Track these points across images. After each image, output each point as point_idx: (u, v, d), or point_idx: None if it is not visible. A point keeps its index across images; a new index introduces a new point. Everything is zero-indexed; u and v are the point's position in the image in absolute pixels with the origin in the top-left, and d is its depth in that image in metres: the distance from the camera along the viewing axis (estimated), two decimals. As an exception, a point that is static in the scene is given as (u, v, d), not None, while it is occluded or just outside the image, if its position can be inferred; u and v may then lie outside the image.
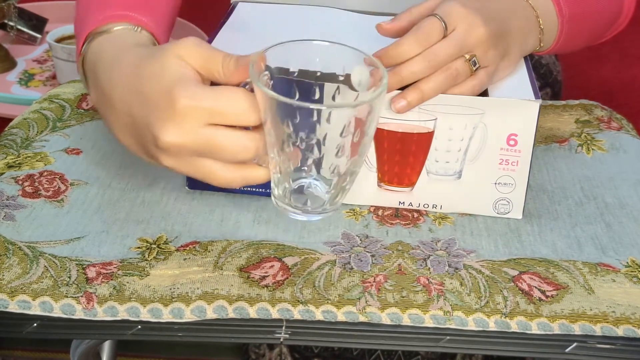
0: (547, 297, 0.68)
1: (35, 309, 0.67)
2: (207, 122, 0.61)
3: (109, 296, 0.68)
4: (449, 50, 0.72)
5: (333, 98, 0.66)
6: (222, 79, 0.64)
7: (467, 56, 0.73)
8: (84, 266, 0.71)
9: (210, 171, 0.63)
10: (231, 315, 0.67)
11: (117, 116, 0.67)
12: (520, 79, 0.78)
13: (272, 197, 0.66)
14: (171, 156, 0.63)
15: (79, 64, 0.75)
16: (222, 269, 0.70)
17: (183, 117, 0.61)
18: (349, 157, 0.62)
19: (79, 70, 0.75)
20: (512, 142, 0.75)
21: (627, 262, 0.73)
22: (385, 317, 0.67)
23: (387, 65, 0.72)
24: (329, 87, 0.66)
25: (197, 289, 0.68)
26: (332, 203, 0.64)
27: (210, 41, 0.81)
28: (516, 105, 0.74)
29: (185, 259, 0.72)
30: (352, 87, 0.72)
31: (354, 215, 0.78)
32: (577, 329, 0.66)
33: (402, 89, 0.73)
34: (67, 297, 0.68)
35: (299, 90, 0.65)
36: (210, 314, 0.67)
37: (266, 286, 0.69)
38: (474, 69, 0.73)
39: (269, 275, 0.70)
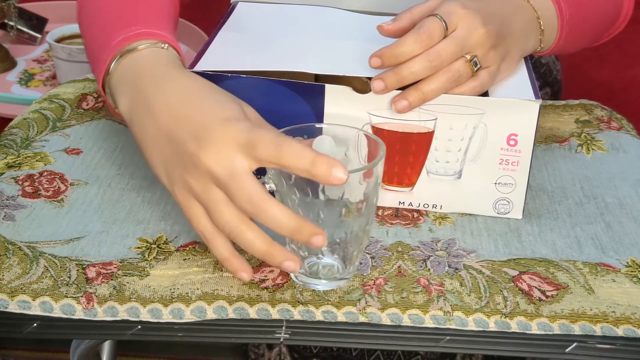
0: (547, 297, 0.68)
1: (35, 309, 0.67)
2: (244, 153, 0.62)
3: (109, 296, 0.68)
4: (450, 50, 0.72)
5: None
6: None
7: (468, 57, 0.73)
8: (84, 266, 0.71)
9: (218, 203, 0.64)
10: (231, 315, 0.67)
11: (156, 125, 0.68)
12: (520, 79, 0.78)
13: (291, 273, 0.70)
14: (194, 179, 0.64)
15: (104, 79, 0.75)
16: (222, 270, 0.70)
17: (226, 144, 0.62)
18: (353, 225, 0.66)
19: (104, 85, 0.75)
20: (512, 142, 0.75)
21: (627, 262, 0.73)
22: (385, 318, 0.67)
23: (388, 65, 0.72)
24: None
25: (197, 289, 0.68)
26: (345, 272, 0.69)
27: (210, 41, 0.81)
28: (516, 105, 0.74)
29: (185, 259, 0.72)
30: (356, 90, 0.73)
31: (354, 215, 0.78)
32: (577, 329, 0.66)
33: (403, 88, 0.73)
34: (67, 297, 0.67)
35: None
36: (210, 314, 0.67)
37: (266, 288, 0.69)
38: (475, 69, 0.73)
39: (268, 279, 0.70)
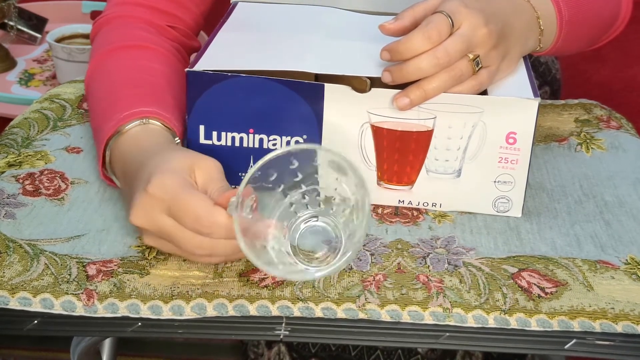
0: (546, 294, 0.69)
1: (36, 306, 0.67)
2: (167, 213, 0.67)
3: (109, 293, 0.68)
4: (458, 48, 0.72)
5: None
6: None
7: (471, 56, 0.73)
8: (85, 264, 0.71)
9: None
10: (231, 312, 0.67)
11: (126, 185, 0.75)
12: (519, 78, 0.78)
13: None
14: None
15: (103, 164, 0.79)
16: (222, 277, 0.70)
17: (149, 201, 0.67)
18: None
19: (105, 169, 0.80)
20: (511, 141, 0.75)
21: (627, 260, 0.73)
22: (384, 314, 0.67)
23: (396, 60, 0.72)
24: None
25: (197, 289, 0.69)
26: (350, 241, 0.64)
27: (210, 41, 0.82)
28: (515, 104, 0.74)
29: (185, 260, 0.72)
30: (356, 89, 0.73)
31: (354, 213, 0.79)
32: (576, 325, 0.67)
33: (402, 87, 0.74)
34: (68, 294, 0.68)
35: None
36: (211, 311, 0.67)
37: (266, 286, 0.69)
38: (477, 69, 0.73)
39: (268, 277, 0.70)
